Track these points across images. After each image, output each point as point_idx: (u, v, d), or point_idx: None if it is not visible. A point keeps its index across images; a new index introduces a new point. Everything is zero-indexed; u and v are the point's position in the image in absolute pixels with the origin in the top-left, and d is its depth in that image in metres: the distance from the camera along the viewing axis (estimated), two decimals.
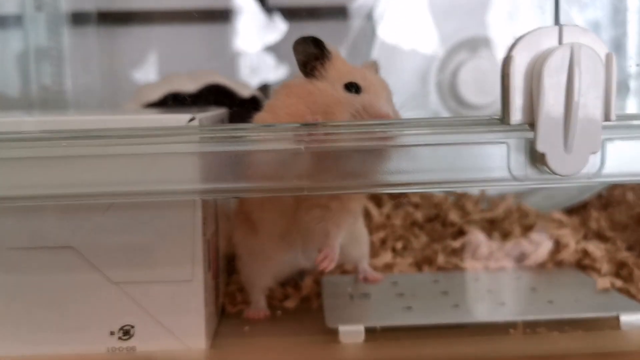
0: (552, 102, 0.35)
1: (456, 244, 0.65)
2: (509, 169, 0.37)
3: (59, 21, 1.07)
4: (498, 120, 0.37)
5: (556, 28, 0.36)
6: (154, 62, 1.13)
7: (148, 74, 1.11)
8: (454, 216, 0.73)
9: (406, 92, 0.99)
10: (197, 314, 0.43)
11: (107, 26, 1.15)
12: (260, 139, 0.37)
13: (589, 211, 0.76)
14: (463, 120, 0.38)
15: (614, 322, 0.46)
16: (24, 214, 0.41)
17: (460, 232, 0.71)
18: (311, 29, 1.21)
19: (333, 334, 0.46)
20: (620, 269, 0.59)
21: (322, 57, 0.46)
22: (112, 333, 0.43)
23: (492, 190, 0.80)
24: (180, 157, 0.36)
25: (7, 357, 0.42)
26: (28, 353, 0.42)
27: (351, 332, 0.45)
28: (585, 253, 0.61)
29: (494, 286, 0.54)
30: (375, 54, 0.89)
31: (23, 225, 0.42)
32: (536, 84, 0.35)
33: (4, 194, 0.36)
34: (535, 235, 0.64)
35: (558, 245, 0.62)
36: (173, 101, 0.80)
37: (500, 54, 0.83)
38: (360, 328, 0.45)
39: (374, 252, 0.66)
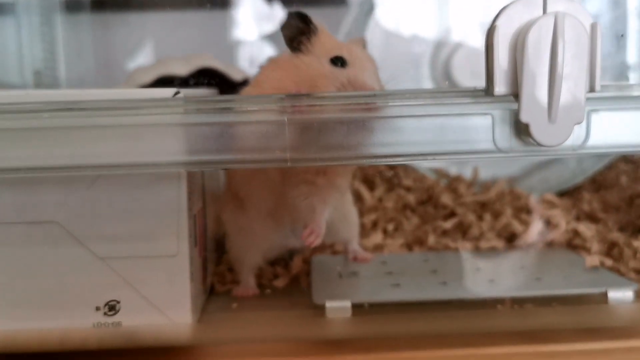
0: (535, 72, 0.35)
1: (447, 224, 0.65)
2: (493, 140, 0.37)
3: (53, 8, 1.07)
4: (482, 92, 0.37)
5: None
6: (148, 50, 1.13)
7: (142, 61, 1.11)
8: (446, 199, 0.73)
9: (400, 76, 0.99)
10: (183, 289, 0.43)
11: (101, 13, 1.15)
12: (244, 110, 0.37)
13: (581, 194, 0.76)
14: (448, 92, 0.38)
15: (602, 298, 0.46)
16: (7, 189, 0.41)
17: (452, 215, 0.71)
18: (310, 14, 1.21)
19: (320, 310, 0.46)
20: (610, 249, 0.59)
21: (309, 31, 0.46)
22: (97, 308, 0.43)
23: (484, 174, 0.80)
24: (164, 129, 0.36)
25: None
26: (13, 328, 0.42)
27: (338, 308, 0.45)
28: (576, 233, 0.61)
29: (483, 265, 0.54)
30: (370, 38, 0.89)
31: (7, 199, 0.41)
32: (520, 55, 0.35)
33: None
34: (525, 216, 0.63)
35: (549, 226, 0.62)
36: (165, 84, 0.79)
37: None
38: (347, 304, 0.45)
39: (365, 234, 0.66)
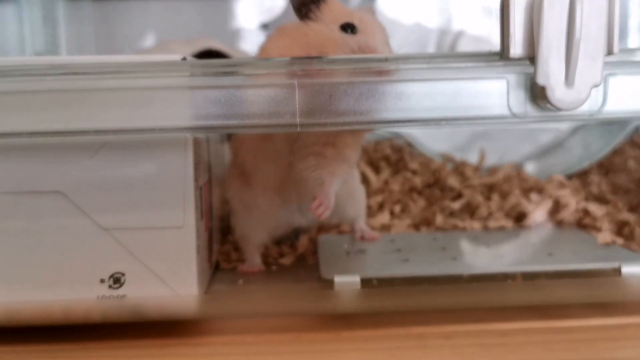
0: (553, 33, 0.34)
1: (455, 205, 0.64)
2: (508, 105, 0.36)
3: None
4: (497, 55, 0.36)
5: None
6: (149, 37, 1.12)
7: (144, 49, 1.10)
8: (453, 181, 0.72)
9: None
10: (189, 261, 0.42)
11: (102, 1, 1.15)
12: (252, 73, 0.36)
13: (589, 177, 0.75)
14: (461, 56, 0.37)
15: (615, 273, 0.45)
16: (10, 157, 0.40)
17: (459, 197, 0.70)
18: None
19: (329, 285, 0.45)
20: (621, 228, 0.58)
21: (317, 1, 0.45)
22: (102, 281, 0.42)
23: (489, 160, 0.79)
24: (171, 92, 0.35)
25: None
26: (16, 300, 0.41)
27: (347, 283, 0.44)
28: (586, 212, 0.60)
29: (493, 242, 0.53)
30: None
31: (9, 169, 0.40)
32: (537, 15, 0.34)
33: None
34: (534, 196, 0.63)
35: (558, 206, 0.61)
36: None
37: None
38: (356, 278, 0.44)
39: (372, 214, 0.65)
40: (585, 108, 0.36)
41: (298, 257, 0.56)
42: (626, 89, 0.36)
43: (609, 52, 0.35)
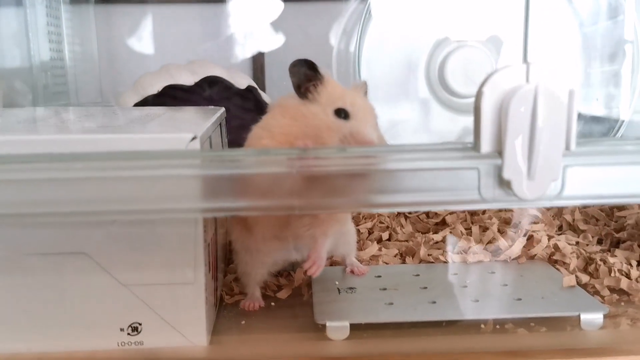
0: (517, 135, 0.39)
1: (438, 237, 0.70)
2: (479, 191, 0.41)
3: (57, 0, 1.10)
4: (471, 147, 0.42)
5: (524, 66, 0.40)
6: (150, 41, 1.16)
7: (144, 52, 1.14)
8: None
9: (395, 80, 1.03)
10: (199, 313, 0.48)
11: (104, 5, 1.18)
12: (256, 162, 0.41)
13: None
14: (440, 147, 0.42)
15: (576, 321, 0.51)
16: (40, 224, 0.45)
17: (443, 223, 0.76)
18: (308, 9, 1.25)
19: (321, 328, 0.51)
20: (588, 264, 0.64)
21: (315, 79, 0.50)
22: (122, 329, 0.47)
23: None
24: (182, 179, 0.40)
25: (26, 354, 0.47)
26: (46, 350, 0.47)
27: (337, 328, 0.50)
28: (557, 248, 0.66)
29: (470, 281, 0.59)
30: (367, 39, 0.93)
31: (40, 233, 0.46)
32: (504, 119, 0.39)
33: (20, 211, 0.40)
34: (510, 232, 0.68)
35: (532, 240, 0.67)
36: (171, 94, 0.83)
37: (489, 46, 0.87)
38: (346, 324, 0.50)
39: (362, 242, 0.71)
40: (545, 194, 0.41)
41: (294, 289, 0.62)
42: (581, 178, 0.41)
43: (567, 147, 0.40)
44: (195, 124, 0.50)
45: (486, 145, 0.40)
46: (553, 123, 0.39)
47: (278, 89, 1.18)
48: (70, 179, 0.40)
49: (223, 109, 0.66)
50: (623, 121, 0.96)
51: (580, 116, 0.98)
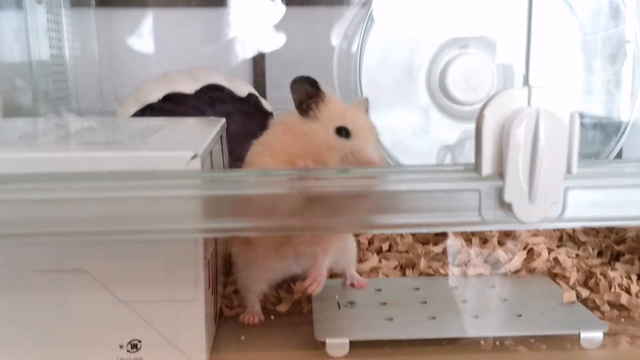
0: (518, 158, 0.39)
1: (437, 249, 0.70)
2: (479, 213, 0.41)
3: (58, 2, 1.09)
4: (472, 169, 0.41)
5: (525, 89, 0.40)
6: (151, 44, 1.16)
7: (145, 54, 1.14)
8: None
9: (396, 86, 1.02)
10: (199, 330, 0.48)
11: (104, 8, 1.18)
12: (257, 183, 0.41)
13: None
14: (441, 168, 0.42)
15: (576, 338, 0.51)
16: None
17: (444, 233, 0.76)
18: (309, 13, 1.24)
19: (321, 345, 0.51)
20: (588, 279, 0.64)
21: (317, 96, 0.49)
22: (121, 346, 0.47)
23: None
24: (182, 200, 0.40)
25: None
26: None
27: (337, 345, 0.50)
28: (557, 261, 0.66)
29: (470, 296, 0.59)
30: (369, 45, 0.93)
31: (39, 250, 0.46)
32: (505, 142, 0.39)
33: (17, 230, 0.40)
34: (510, 245, 0.68)
35: (532, 253, 0.67)
36: (173, 101, 0.83)
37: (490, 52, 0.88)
38: (345, 341, 0.50)
39: (362, 252, 0.70)
40: (545, 217, 0.41)
41: (294, 302, 0.61)
42: (582, 201, 0.41)
43: (568, 171, 0.40)
44: (196, 140, 0.50)
45: (487, 167, 0.40)
46: (554, 146, 0.39)
47: (279, 91, 1.18)
48: (69, 199, 0.40)
49: (224, 120, 0.66)
50: (627, 123, 0.95)
51: (582, 118, 0.98)
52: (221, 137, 0.61)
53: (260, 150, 0.51)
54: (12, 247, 0.45)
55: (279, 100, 1.17)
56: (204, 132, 0.54)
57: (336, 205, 0.41)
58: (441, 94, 1.02)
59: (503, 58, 1.00)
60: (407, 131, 1.03)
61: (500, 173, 0.40)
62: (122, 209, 0.40)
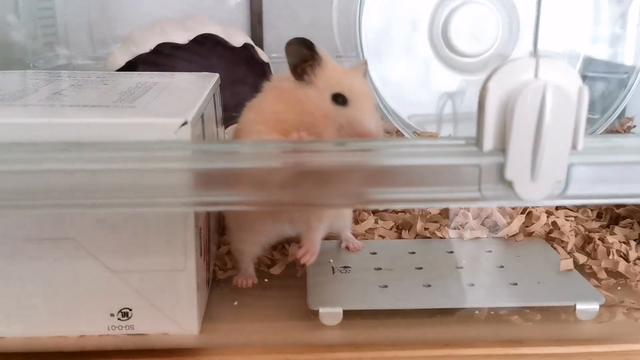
0: (521, 134, 0.37)
1: (434, 210, 0.69)
2: (479, 189, 0.40)
3: None
4: (473, 144, 0.40)
5: (533, 61, 0.38)
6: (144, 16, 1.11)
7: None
8: None
9: (398, 39, 0.99)
10: (190, 300, 0.47)
11: None
12: (249, 155, 0.39)
13: None
14: (441, 142, 0.41)
15: (571, 309, 0.51)
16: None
17: None
18: None
19: (315, 312, 0.50)
20: (587, 243, 0.63)
21: (313, 60, 0.47)
22: (112, 315, 0.47)
23: None
24: (171, 173, 0.39)
25: (18, 337, 0.47)
26: (35, 334, 0.47)
27: (330, 314, 0.49)
28: (555, 225, 0.65)
29: (466, 261, 0.58)
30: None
31: (29, 220, 0.44)
32: (509, 117, 0.38)
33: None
34: (509, 207, 0.67)
35: (530, 217, 0.66)
36: (165, 52, 0.80)
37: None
38: (339, 310, 0.50)
39: (358, 212, 0.69)
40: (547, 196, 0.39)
41: (288, 265, 0.61)
42: (585, 177, 0.40)
43: (574, 147, 0.39)
44: (186, 103, 0.48)
45: (489, 143, 0.39)
46: (561, 122, 0.37)
47: (277, 33, 1.14)
48: (53, 170, 0.38)
49: (217, 76, 0.63)
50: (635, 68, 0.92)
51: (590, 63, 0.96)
52: (214, 95, 0.59)
53: (253, 117, 0.49)
54: None
55: (277, 45, 1.14)
56: (195, 93, 0.52)
57: (331, 179, 0.40)
58: (443, 44, 0.99)
59: (510, 9, 0.97)
60: (408, 82, 1.00)
61: (502, 149, 0.39)
62: (107, 181, 0.39)
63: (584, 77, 0.95)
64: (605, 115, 0.87)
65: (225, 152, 0.40)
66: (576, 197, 0.40)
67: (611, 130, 0.93)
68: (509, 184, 0.39)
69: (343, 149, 0.40)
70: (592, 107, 0.91)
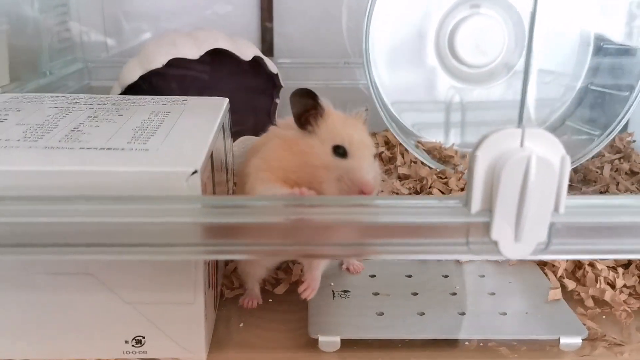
0: (506, 199, 0.40)
1: None
2: (467, 246, 0.43)
3: None
4: (462, 205, 0.43)
5: (519, 130, 0.41)
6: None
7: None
8: (436, 192, 0.79)
9: (405, 49, 1.01)
10: (198, 329, 0.51)
11: None
12: (255, 211, 0.43)
13: None
14: (432, 203, 0.43)
15: (556, 341, 0.54)
16: None
17: None
18: None
19: (315, 339, 0.54)
20: (577, 268, 0.66)
21: (316, 110, 0.50)
22: (126, 341, 0.51)
23: None
24: (181, 225, 0.42)
25: None
26: (58, 357, 0.51)
27: (329, 342, 0.53)
28: None
29: (459, 287, 0.61)
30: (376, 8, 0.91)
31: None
32: (495, 182, 0.40)
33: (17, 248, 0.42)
34: None
35: None
36: (177, 67, 0.83)
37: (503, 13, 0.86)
38: (337, 339, 0.53)
39: None
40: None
41: (292, 284, 0.64)
42: (567, 235, 0.43)
43: (556, 210, 0.41)
44: (197, 142, 0.51)
45: (477, 205, 0.42)
46: (544, 188, 0.40)
47: (287, 37, 1.16)
48: (67, 222, 0.42)
49: (227, 100, 0.66)
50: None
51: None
52: (223, 124, 0.62)
53: (259, 164, 0.52)
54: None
55: (287, 48, 1.16)
56: (205, 130, 0.54)
57: (330, 234, 0.43)
58: (449, 54, 1.01)
59: (516, 19, 0.98)
60: (414, 92, 1.02)
61: (489, 209, 0.42)
62: (123, 230, 0.42)
63: (586, 90, 0.97)
64: (607, 130, 0.89)
65: (232, 206, 0.43)
66: (557, 253, 0.43)
67: (611, 145, 0.95)
68: (495, 243, 0.42)
69: (340, 204, 0.43)
70: (593, 123, 0.93)
